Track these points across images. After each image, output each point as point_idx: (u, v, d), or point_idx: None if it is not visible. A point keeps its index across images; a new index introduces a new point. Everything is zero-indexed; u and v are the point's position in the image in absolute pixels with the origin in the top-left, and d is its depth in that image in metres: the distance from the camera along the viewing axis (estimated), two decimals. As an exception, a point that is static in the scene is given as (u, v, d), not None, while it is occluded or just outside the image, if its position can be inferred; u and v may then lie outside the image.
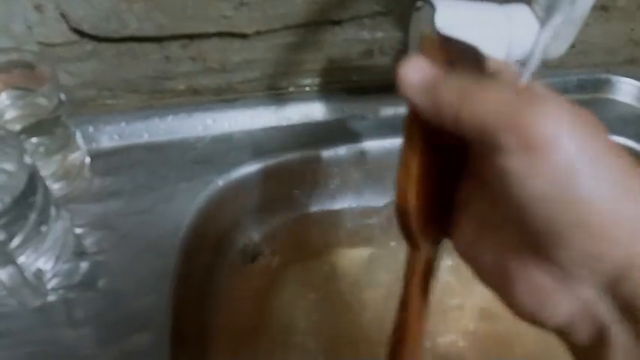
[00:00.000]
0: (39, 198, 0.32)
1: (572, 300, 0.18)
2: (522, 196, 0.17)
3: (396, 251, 0.47)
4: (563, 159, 0.16)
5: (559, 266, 0.18)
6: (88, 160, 0.41)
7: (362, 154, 0.46)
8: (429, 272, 0.22)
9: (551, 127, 0.16)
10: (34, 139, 0.37)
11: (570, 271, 0.17)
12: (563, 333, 0.19)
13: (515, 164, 0.17)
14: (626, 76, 0.52)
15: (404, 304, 0.22)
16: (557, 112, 0.16)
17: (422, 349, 0.23)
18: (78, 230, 0.38)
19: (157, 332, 0.33)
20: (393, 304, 0.23)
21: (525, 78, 0.20)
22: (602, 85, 0.53)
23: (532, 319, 0.19)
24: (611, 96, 0.53)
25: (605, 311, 0.17)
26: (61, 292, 0.34)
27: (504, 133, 0.16)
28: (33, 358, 0.31)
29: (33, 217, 0.32)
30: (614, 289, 0.17)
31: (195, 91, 0.45)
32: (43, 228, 0.33)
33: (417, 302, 0.22)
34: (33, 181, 0.32)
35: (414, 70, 0.19)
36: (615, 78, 0.53)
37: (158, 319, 0.33)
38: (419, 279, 0.22)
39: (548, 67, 0.51)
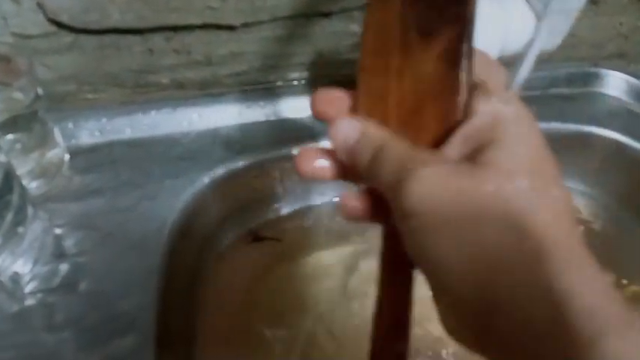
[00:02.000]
0: (15, 197, 0.30)
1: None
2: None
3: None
4: (423, 229, 0.17)
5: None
6: (67, 157, 0.40)
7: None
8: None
9: (424, 199, 0.17)
10: (9, 136, 0.35)
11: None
12: None
13: (398, 225, 0.18)
14: (614, 70, 0.52)
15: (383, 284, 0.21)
16: (425, 184, 0.17)
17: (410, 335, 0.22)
18: (57, 230, 0.36)
19: (142, 335, 0.31)
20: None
21: (523, 71, 0.20)
22: (591, 79, 0.53)
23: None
24: (599, 89, 0.53)
25: None
26: (39, 295, 0.33)
27: (389, 199, 0.18)
28: (11, 366, 0.30)
29: (9, 217, 0.30)
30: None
31: (179, 85, 0.44)
32: (20, 229, 0.32)
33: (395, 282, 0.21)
34: (8, 179, 0.30)
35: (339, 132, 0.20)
36: (604, 72, 0.53)
37: (142, 321, 0.32)
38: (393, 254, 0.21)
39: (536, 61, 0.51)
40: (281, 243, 0.45)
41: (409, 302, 0.21)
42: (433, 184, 0.17)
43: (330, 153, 0.21)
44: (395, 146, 0.19)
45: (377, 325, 0.22)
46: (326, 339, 0.42)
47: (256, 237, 0.45)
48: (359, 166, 0.20)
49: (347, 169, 0.21)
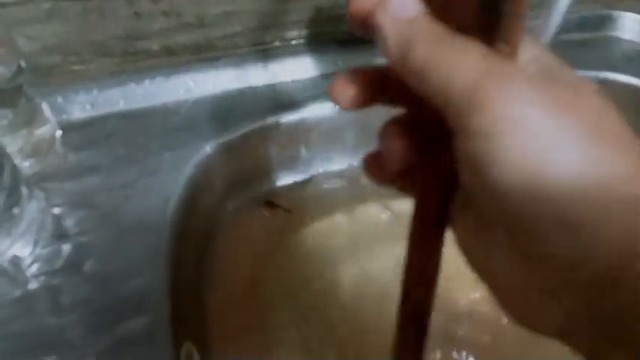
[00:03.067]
0: (6, 178, 0.28)
1: (557, 312, 0.15)
2: (488, 186, 0.14)
3: (398, 211, 0.45)
4: (533, 143, 0.14)
5: (539, 270, 0.15)
6: (59, 133, 0.38)
7: (358, 111, 0.43)
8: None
9: (520, 107, 0.14)
10: (-7, 113, 0.33)
11: (551, 276, 0.15)
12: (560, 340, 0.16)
13: (479, 148, 0.14)
14: (628, 12, 0.50)
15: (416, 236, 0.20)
16: (529, 92, 0.14)
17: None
18: (56, 210, 0.34)
19: (154, 315, 0.30)
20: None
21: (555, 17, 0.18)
22: (604, 22, 0.50)
23: (525, 326, 0.17)
24: (613, 33, 0.50)
25: (591, 327, 0.15)
26: (42, 278, 0.31)
27: (467, 113, 0.14)
28: (17, 352, 0.28)
29: (2, 199, 0.28)
30: (600, 300, 0.14)
31: (171, 51, 0.41)
32: (15, 210, 0.30)
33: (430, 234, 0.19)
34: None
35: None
36: (617, 14, 0.50)
37: (153, 300, 0.31)
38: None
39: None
40: (289, 213, 0.43)
41: (439, 259, 0.20)
42: (529, 89, 0.14)
43: (362, 76, 0.18)
44: (463, 40, 0.15)
45: (406, 283, 0.20)
46: (346, 315, 0.41)
47: (268, 202, 0.43)
48: (411, 60, 0.15)
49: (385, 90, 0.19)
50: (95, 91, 0.40)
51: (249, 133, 0.40)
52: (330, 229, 0.44)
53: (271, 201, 0.44)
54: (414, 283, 0.20)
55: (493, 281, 0.17)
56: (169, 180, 0.36)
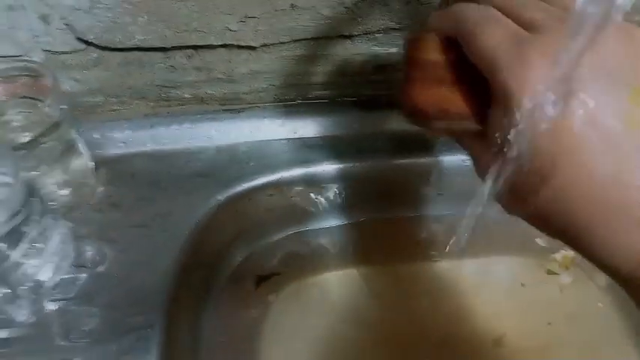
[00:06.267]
0: (35, 210, 0.32)
1: None
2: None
3: (398, 270, 0.46)
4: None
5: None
6: (92, 166, 0.41)
7: (370, 171, 0.45)
8: None
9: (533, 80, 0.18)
10: (38, 148, 0.37)
11: None
12: None
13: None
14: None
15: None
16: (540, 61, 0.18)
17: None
18: (79, 241, 0.38)
19: (145, 353, 0.33)
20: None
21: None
22: None
23: None
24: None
25: None
26: (56, 305, 0.35)
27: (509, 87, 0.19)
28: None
29: (28, 230, 0.32)
30: None
31: (201, 100, 0.45)
32: (39, 242, 0.33)
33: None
34: (29, 194, 0.32)
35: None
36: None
37: (148, 338, 0.33)
38: None
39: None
40: (298, 266, 0.45)
41: None
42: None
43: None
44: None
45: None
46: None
47: (260, 278, 0.45)
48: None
49: None
50: (128, 131, 0.44)
51: (263, 185, 0.42)
52: (333, 285, 0.45)
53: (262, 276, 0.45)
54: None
55: None
56: (180, 223, 0.39)
